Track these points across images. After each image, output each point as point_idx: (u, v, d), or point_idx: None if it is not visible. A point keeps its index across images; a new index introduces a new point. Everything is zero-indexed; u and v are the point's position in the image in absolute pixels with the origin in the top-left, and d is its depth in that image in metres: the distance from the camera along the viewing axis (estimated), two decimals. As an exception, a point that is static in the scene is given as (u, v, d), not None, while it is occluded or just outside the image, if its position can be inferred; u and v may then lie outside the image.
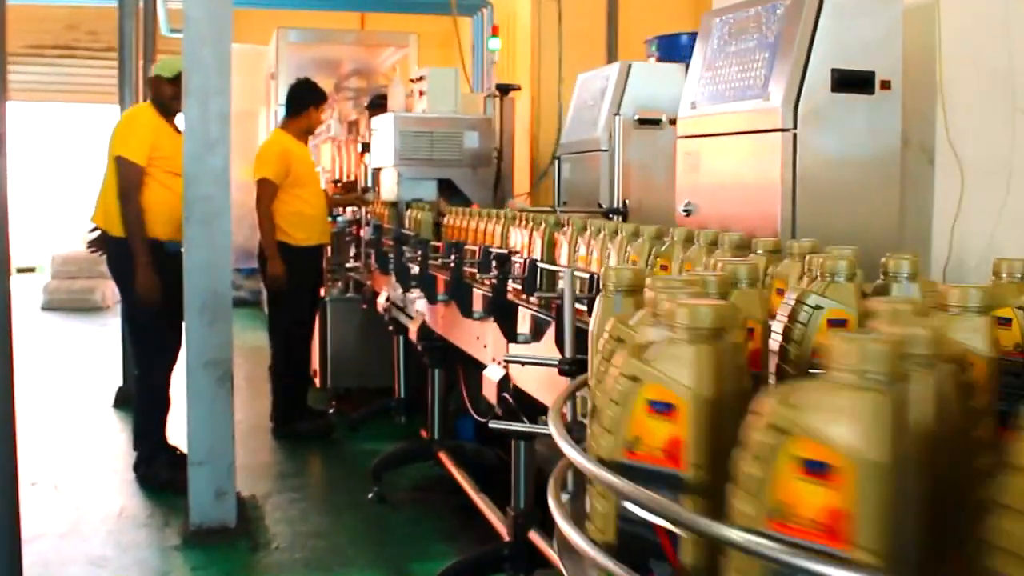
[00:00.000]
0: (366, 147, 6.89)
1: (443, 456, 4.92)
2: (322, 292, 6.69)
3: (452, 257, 3.81)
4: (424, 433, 5.72)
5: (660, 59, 4.86)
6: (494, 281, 3.14)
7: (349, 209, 7.16)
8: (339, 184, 8.33)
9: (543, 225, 3.41)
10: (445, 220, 4.46)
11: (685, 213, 2.98)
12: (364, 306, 6.36)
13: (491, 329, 3.54)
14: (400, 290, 5.15)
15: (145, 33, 10.61)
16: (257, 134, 11.22)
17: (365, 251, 6.31)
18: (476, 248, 3.87)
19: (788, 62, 2.54)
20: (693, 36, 6.35)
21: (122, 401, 6.81)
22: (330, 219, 6.72)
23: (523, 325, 3.17)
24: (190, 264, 4.29)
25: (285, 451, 5.94)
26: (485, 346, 3.66)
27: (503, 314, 3.12)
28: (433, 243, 4.51)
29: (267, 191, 6.04)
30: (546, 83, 6.54)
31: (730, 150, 2.79)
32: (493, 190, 5.68)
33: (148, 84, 5.31)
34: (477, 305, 3.71)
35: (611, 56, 8.19)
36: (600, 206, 4.25)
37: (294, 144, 6.22)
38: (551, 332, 2.91)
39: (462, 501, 4.56)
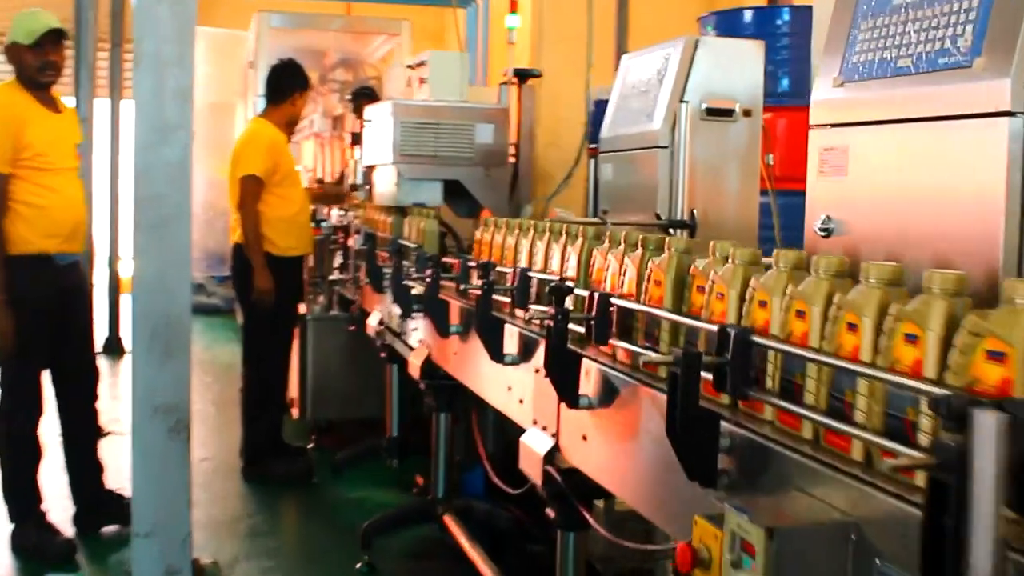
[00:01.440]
0: (356, 138, 5.98)
1: (448, 520, 4.03)
2: (302, 308, 5.77)
3: (481, 282, 2.92)
4: (420, 480, 4.83)
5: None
6: (548, 321, 2.25)
7: (335, 213, 6.25)
8: (322, 184, 7.41)
9: (605, 243, 2.53)
10: (477, 234, 3.58)
11: (823, 233, 2.10)
12: (352, 327, 5.46)
13: (533, 380, 2.65)
14: (397, 313, 4.26)
15: (112, 13, 9.71)
16: (234, 128, 10.30)
17: (354, 263, 5.40)
18: (508, 270, 2.99)
19: None
20: (763, 11, 5.37)
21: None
22: (313, 224, 5.81)
23: (587, 385, 2.29)
24: (138, 281, 3.35)
25: (257, 500, 5.03)
26: (521, 401, 2.77)
27: (562, 368, 2.25)
28: (444, 259, 3.63)
29: (253, 190, 5.13)
30: (569, 68, 5.64)
31: (908, 144, 1.92)
32: (509, 194, 4.79)
33: (5, 54, 4.20)
34: (511, 346, 2.83)
35: (621, 39, 7.34)
36: (659, 217, 3.37)
37: (280, 136, 5.31)
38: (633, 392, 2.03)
39: (469, 572, 3.69)
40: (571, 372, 2.27)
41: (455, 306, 3.43)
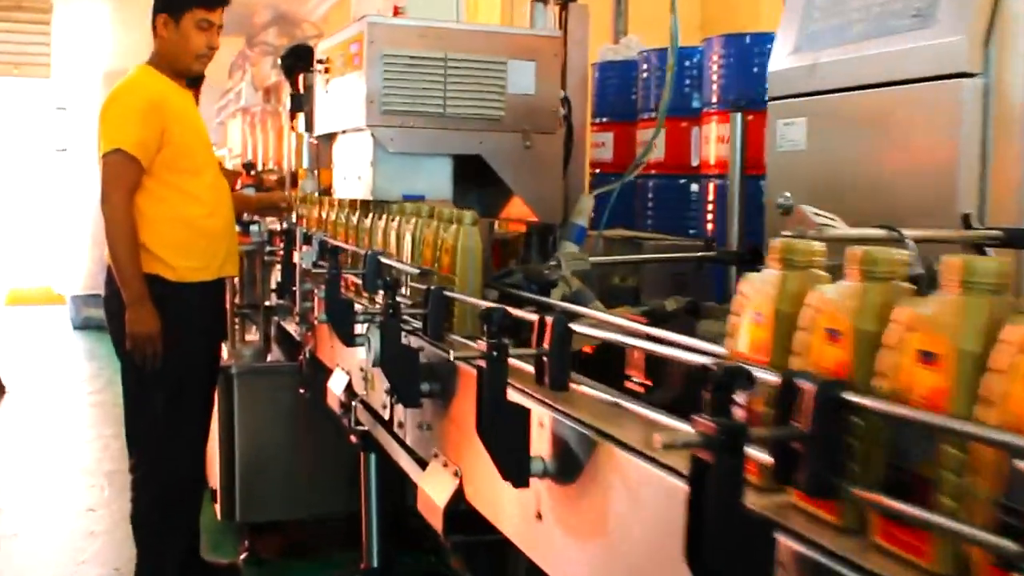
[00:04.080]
0: (297, 103, 4.07)
1: None
2: (224, 354, 3.85)
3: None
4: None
5: None
6: None
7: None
8: (254, 174, 5.43)
9: None
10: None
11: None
12: (302, 391, 3.54)
13: None
14: (387, 395, 2.43)
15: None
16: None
17: (302, 287, 3.47)
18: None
19: None
20: None
21: None
22: (240, 230, 3.87)
23: None
24: None
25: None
26: None
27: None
28: (511, 311, 1.74)
29: (123, 176, 3.21)
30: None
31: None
32: (562, 178, 2.93)
33: None
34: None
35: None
36: (967, 223, 1.55)
37: (172, 90, 3.38)
38: None
39: None
40: None
41: (537, 418, 1.59)
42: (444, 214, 2.38)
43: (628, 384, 1.80)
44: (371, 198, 2.78)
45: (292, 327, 3.80)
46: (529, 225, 2.99)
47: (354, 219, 3.07)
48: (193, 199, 3.31)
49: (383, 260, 2.66)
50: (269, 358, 3.92)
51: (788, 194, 2.09)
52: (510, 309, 1.67)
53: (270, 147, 6.45)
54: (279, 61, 5.80)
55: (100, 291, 3.41)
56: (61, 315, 10.40)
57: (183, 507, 3.39)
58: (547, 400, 1.60)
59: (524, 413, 1.59)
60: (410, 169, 2.78)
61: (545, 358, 1.61)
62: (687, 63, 6.30)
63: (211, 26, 3.37)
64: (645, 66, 5.40)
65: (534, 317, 1.66)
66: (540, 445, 1.57)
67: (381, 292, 2.25)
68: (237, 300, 3.98)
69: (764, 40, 5.11)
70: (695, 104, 6.31)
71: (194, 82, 4.83)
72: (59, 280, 10.64)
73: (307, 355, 3.53)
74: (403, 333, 2.23)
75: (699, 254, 2.50)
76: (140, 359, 3.20)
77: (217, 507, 3.92)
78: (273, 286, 4.08)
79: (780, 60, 2.13)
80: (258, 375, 3.75)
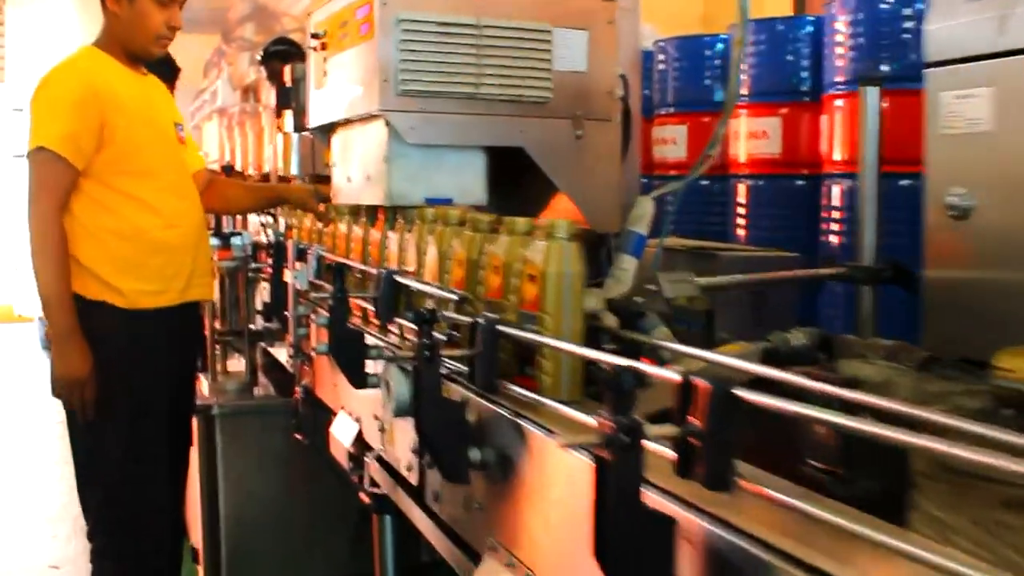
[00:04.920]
0: (284, 97, 3.50)
1: None
2: (204, 389, 3.27)
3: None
4: None
5: None
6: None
7: (256, 221, 3.75)
8: (233, 174, 4.87)
9: None
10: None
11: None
12: (299, 436, 2.95)
13: None
14: (413, 452, 1.87)
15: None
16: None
17: (296, 311, 2.89)
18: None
19: None
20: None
21: None
22: (219, 243, 3.28)
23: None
24: None
25: None
26: None
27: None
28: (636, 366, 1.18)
29: (49, 179, 2.63)
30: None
31: None
32: (620, 175, 2.37)
33: None
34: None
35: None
36: None
37: (119, 76, 2.80)
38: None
39: None
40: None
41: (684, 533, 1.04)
42: (481, 222, 1.82)
43: (807, 470, 1.25)
44: (385, 203, 2.21)
45: (284, 357, 3.23)
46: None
47: (358, 229, 2.50)
48: (145, 207, 2.73)
49: (403, 281, 2.09)
50: (256, 392, 3.34)
51: (962, 190, 1.55)
52: (642, 367, 1.12)
53: (250, 150, 5.89)
54: (261, 54, 5.26)
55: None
56: (29, 335, 9.74)
57: (140, 557, 2.78)
58: (700, 506, 1.04)
59: (667, 526, 1.04)
60: (434, 166, 2.21)
61: (697, 441, 1.05)
62: (707, 52, 5.75)
63: (172, 1, 2.78)
64: (662, 56, 4.84)
65: (673, 376, 1.10)
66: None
67: (411, 325, 1.69)
68: (218, 325, 3.39)
69: (799, 24, 4.53)
70: (718, 98, 5.74)
71: (170, 75, 4.24)
72: (23, 298, 9.97)
73: (302, 392, 2.95)
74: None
75: (828, 271, 1.94)
76: (68, 408, 2.63)
77: (200, 569, 3.33)
78: (260, 307, 3.51)
79: (946, 12, 1.68)
80: (244, 415, 3.16)
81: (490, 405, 1.60)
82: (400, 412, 1.78)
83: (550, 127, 2.25)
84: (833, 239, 4.57)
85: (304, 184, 3.54)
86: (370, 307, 2.35)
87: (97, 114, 2.64)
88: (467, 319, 1.69)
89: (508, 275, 1.62)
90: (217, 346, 3.47)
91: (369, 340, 2.29)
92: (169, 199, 2.79)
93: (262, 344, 3.55)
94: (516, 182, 2.33)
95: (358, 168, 2.38)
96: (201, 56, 7.97)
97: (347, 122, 2.43)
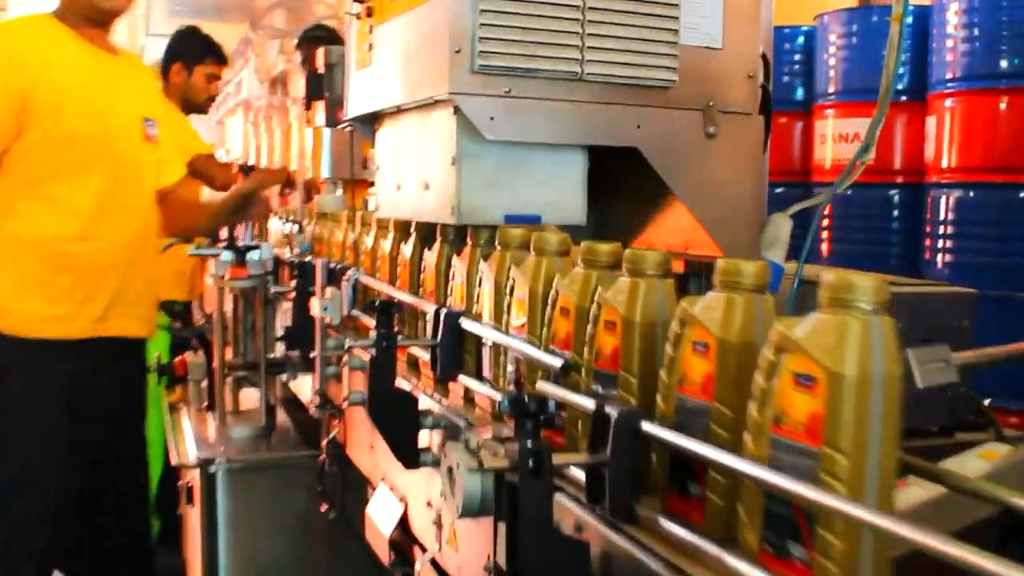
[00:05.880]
0: (315, 87, 2.93)
1: None
2: (209, 433, 2.69)
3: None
4: None
5: None
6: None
7: (278, 228, 3.18)
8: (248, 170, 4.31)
9: None
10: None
11: None
12: (322, 507, 2.37)
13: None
14: (479, 553, 1.28)
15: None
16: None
17: (324, 347, 2.29)
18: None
19: None
20: None
21: None
22: (233, 258, 2.70)
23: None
24: None
25: None
26: None
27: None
28: None
29: None
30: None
31: None
32: (761, 185, 1.77)
33: None
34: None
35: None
36: None
37: (64, 45, 2.25)
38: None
39: None
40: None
41: None
42: (600, 253, 1.23)
43: None
44: (452, 221, 1.62)
45: (306, 393, 2.65)
46: (691, 264, 1.83)
47: (407, 250, 1.92)
48: (63, 211, 2.18)
49: (475, 331, 1.51)
50: (273, 439, 2.76)
51: None
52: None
53: (276, 148, 5.37)
54: (297, 41, 4.82)
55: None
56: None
57: None
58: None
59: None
60: (518, 171, 1.62)
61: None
62: (786, 46, 5.11)
63: None
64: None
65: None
66: None
67: (499, 402, 1.11)
68: (229, 357, 2.82)
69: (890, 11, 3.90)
70: (799, 96, 5.10)
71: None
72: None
73: (330, 448, 2.37)
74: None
75: None
76: None
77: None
78: (280, 332, 2.94)
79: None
80: (255, 472, 2.58)
81: (626, 543, 1.02)
82: (468, 514, 1.20)
83: (674, 121, 1.67)
84: (939, 257, 3.99)
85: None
86: (422, 354, 1.78)
87: (17, 92, 2.09)
88: (584, 402, 1.10)
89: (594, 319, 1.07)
90: (229, 378, 2.90)
91: (422, 401, 1.71)
92: (98, 204, 2.22)
93: (281, 377, 2.98)
94: (598, 191, 1.75)
95: (413, 173, 1.79)
96: (227, 45, 7.49)
97: (398, 111, 1.85)
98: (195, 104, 4.27)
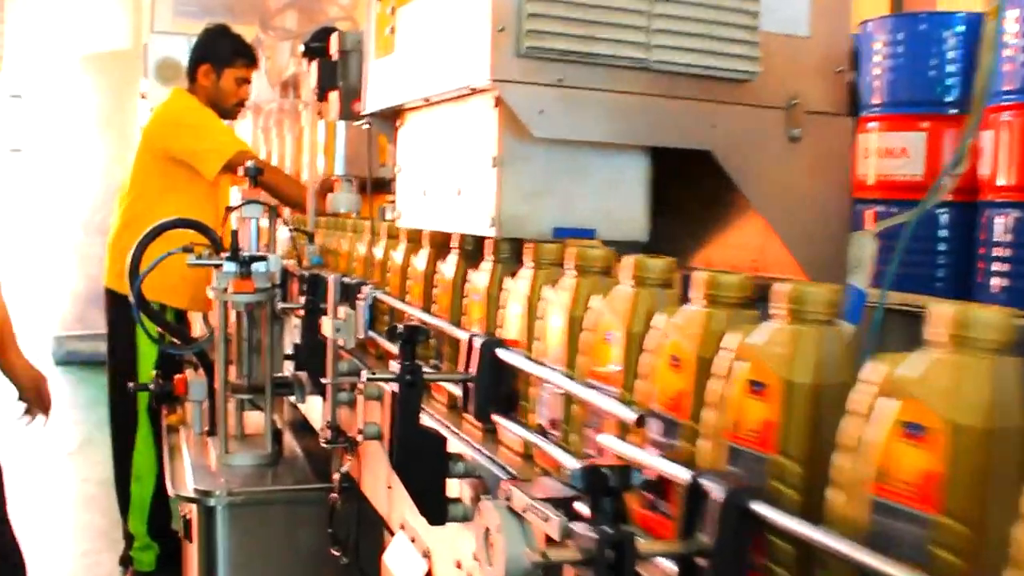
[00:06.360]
0: (328, 75, 2.69)
1: None
2: (210, 460, 2.43)
3: None
4: None
5: None
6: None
7: (286, 238, 2.94)
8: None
9: None
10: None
11: None
12: (334, 552, 2.11)
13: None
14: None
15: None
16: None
17: (334, 379, 2.04)
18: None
19: None
20: None
21: None
22: (238, 269, 2.45)
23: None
24: None
25: None
26: None
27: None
28: None
29: None
30: None
31: None
32: (849, 196, 1.53)
33: None
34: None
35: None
36: None
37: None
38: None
39: None
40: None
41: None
42: (727, 285, 0.97)
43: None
44: (491, 233, 1.37)
45: (317, 421, 2.40)
46: (758, 286, 1.57)
47: (445, 270, 1.66)
48: None
49: (519, 366, 1.26)
50: (279, 468, 2.51)
51: None
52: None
53: (287, 153, 5.14)
54: (301, 48, 4.53)
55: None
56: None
57: None
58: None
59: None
60: (571, 176, 1.38)
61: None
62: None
63: None
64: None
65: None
66: None
67: (583, 484, 0.86)
68: (233, 378, 2.57)
69: (949, 22, 3.64)
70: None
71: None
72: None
73: (341, 482, 2.12)
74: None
75: None
76: None
77: None
78: (288, 350, 2.70)
79: None
80: (259, 507, 2.32)
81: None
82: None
83: (754, 121, 1.42)
84: (991, 280, 3.73)
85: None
86: (454, 388, 1.53)
87: None
88: (678, 474, 0.86)
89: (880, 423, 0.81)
90: (232, 401, 2.65)
91: (452, 443, 1.46)
92: None
93: (287, 397, 2.74)
94: (701, 209, 1.50)
95: (443, 176, 1.54)
96: (236, 47, 7.29)
97: (426, 104, 1.60)
98: (224, 109, 4.02)
